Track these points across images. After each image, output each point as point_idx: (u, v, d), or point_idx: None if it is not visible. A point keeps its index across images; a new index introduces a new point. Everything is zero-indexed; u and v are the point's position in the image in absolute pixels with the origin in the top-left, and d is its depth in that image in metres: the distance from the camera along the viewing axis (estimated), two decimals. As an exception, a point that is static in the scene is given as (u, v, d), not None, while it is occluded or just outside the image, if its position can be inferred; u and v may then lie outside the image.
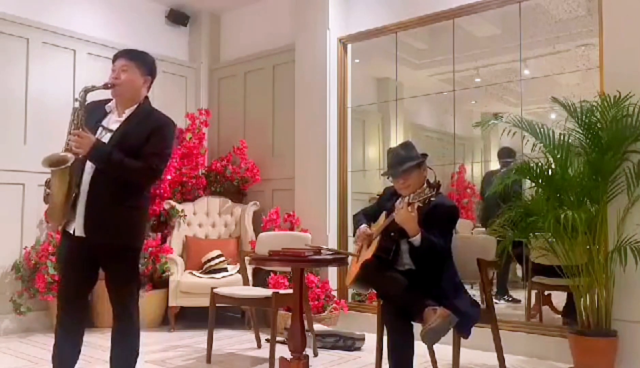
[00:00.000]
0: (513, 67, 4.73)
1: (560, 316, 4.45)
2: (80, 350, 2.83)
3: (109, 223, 2.66)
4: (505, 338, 3.34)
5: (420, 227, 2.92)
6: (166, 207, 5.37)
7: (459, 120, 4.91)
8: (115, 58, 2.87)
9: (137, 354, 2.89)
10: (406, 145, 3.27)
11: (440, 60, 5.43)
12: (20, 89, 4.90)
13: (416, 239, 2.93)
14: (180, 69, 6.20)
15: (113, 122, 2.79)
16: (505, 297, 5.10)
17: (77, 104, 2.71)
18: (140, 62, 2.86)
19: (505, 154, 5.35)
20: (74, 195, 2.66)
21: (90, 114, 2.76)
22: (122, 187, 2.68)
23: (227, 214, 5.63)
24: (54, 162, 2.61)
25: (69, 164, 2.60)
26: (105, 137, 2.72)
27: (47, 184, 2.71)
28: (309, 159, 5.27)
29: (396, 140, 5.48)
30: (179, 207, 5.41)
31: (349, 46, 5.31)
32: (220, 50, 6.41)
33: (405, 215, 2.90)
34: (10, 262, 4.74)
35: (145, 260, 4.96)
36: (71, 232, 2.69)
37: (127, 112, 2.80)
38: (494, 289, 5.18)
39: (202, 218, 5.60)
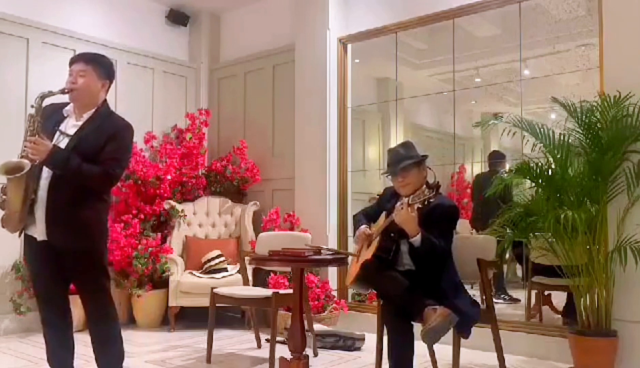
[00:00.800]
0: (513, 67, 4.73)
1: (560, 316, 4.45)
2: (73, 346, 2.83)
3: (70, 226, 2.67)
4: (505, 338, 3.34)
5: (420, 228, 2.92)
6: (166, 207, 5.37)
7: (459, 120, 4.91)
8: (72, 62, 2.86)
9: (123, 356, 2.88)
10: (406, 145, 3.27)
11: (440, 60, 5.43)
12: (20, 89, 4.89)
13: (416, 240, 2.93)
14: (180, 69, 6.20)
15: (71, 126, 2.79)
16: (503, 296, 5.10)
17: (32, 110, 2.70)
18: (98, 65, 2.84)
19: (495, 156, 5.39)
20: (30, 200, 2.67)
21: (47, 118, 2.76)
22: (81, 191, 2.69)
23: (227, 214, 5.63)
24: (9, 170, 2.61)
25: (24, 171, 2.59)
26: (63, 142, 2.72)
27: (3, 190, 2.70)
28: (309, 159, 5.27)
29: (396, 140, 5.48)
30: (179, 207, 5.41)
31: (349, 46, 5.31)
32: (220, 50, 6.41)
33: (405, 216, 2.90)
34: (10, 262, 4.74)
35: (146, 260, 4.96)
36: (35, 236, 2.71)
37: (85, 116, 2.80)
38: (513, 288, 5.20)
39: (202, 218, 5.60)
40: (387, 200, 3.31)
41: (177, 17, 6.15)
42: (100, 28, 5.54)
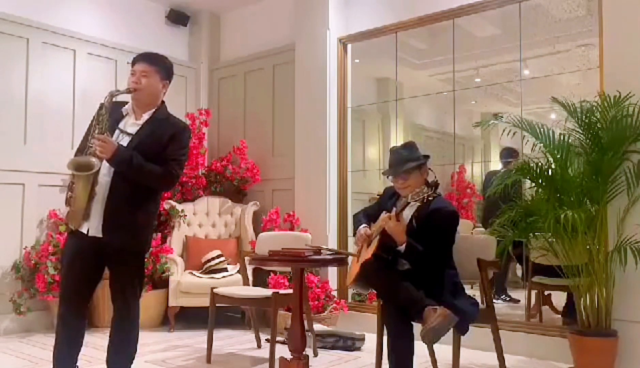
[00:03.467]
0: (513, 67, 4.73)
1: (560, 316, 4.45)
2: (81, 345, 2.84)
3: (127, 225, 2.70)
4: (505, 338, 3.34)
5: (407, 236, 2.99)
6: (166, 207, 5.37)
7: (459, 120, 4.91)
8: (134, 62, 2.89)
9: (133, 359, 2.90)
10: (408, 146, 3.29)
11: (440, 60, 5.42)
12: (20, 89, 4.90)
13: (401, 248, 3.00)
14: (180, 69, 6.17)
15: (130, 125, 2.82)
16: (504, 296, 5.10)
17: (102, 108, 2.72)
18: (160, 67, 2.90)
19: (507, 154, 5.36)
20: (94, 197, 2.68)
21: (108, 116, 2.77)
22: (140, 191, 2.73)
23: (227, 214, 5.63)
24: (80, 166, 2.62)
25: (95, 169, 2.61)
26: (123, 140, 2.75)
27: (70, 187, 2.70)
28: (309, 159, 5.27)
29: (396, 140, 5.47)
30: (179, 207, 5.41)
31: (349, 46, 5.31)
32: (220, 50, 6.41)
33: (392, 225, 3.00)
34: (10, 262, 4.74)
35: (146, 260, 4.94)
36: (84, 231, 2.70)
37: (145, 116, 2.83)
38: (513, 288, 5.19)
39: (202, 218, 5.60)
40: (388, 199, 3.32)
41: (177, 17, 6.16)
42: (100, 28, 5.54)
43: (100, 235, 2.69)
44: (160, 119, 2.85)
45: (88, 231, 2.69)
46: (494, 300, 4.97)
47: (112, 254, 2.73)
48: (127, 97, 2.90)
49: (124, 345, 2.86)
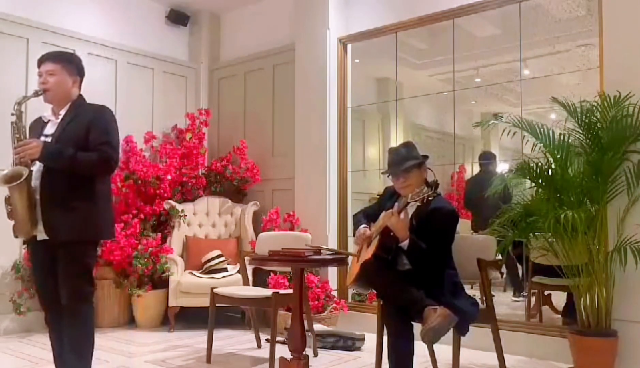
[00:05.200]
0: (513, 67, 4.73)
1: (560, 316, 4.45)
2: None
3: (68, 218, 2.68)
4: (505, 338, 3.34)
5: (410, 233, 2.97)
6: (166, 207, 5.37)
7: (459, 120, 4.91)
8: (40, 63, 2.87)
9: (90, 362, 2.79)
10: (408, 145, 3.28)
11: (440, 60, 5.43)
12: (20, 89, 4.87)
13: (404, 244, 2.99)
14: (180, 69, 6.20)
15: (52, 126, 2.83)
16: (522, 294, 5.07)
17: (13, 118, 2.74)
18: (66, 63, 2.87)
19: (485, 156, 5.42)
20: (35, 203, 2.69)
21: (32, 131, 2.83)
22: (75, 182, 2.70)
23: (227, 214, 5.63)
24: (8, 179, 2.63)
25: (24, 176, 2.61)
26: (46, 140, 2.76)
27: (7, 201, 2.70)
28: (309, 159, 5.27)
29: (396, 140, 5.48)
30: (179, 207, 5.41)
31: (349, 46, 5.31)
32: (220, 50, 6.41)
33: (395, 221, 2.97)
34: (10, 262, 4.74)
35: (146, 260, 4.96)
36: (37, 238, 2.73)
37: (62, 112, 2.84)
38: (511, 289, 5.20)
39: (202, 218, 5.60)
40: (388, 199, 3.32)
41: (177, 17, 6.15)
42: (100, 28, 5.54)
43: (45, 237, 2.70)
44: (76, 109, 2.84)
45: (37, 236, 2.71)
46: (514, 299, 5.01)
47: (60, 250, 2.70)
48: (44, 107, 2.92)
49: (73, 351, 2.73)
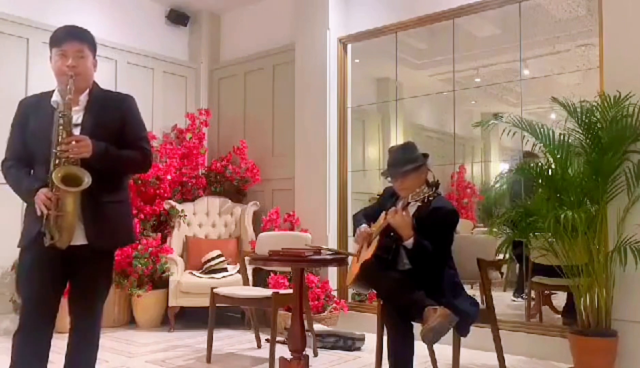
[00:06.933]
0: (513, 67, 4.73)
1: (560, 316, 4.45)
2: (47, 356, 2.53)
3: (108, 225, 2.40)
4: (505, 338, 3.34)
5: (414, 232, 2.95)
6: (166, 207, 5.37)
7: (459, 120, 4.91)
8: (59, 40, 2.49)
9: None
10: (407, 146, 3.27)
11: (440, 60, 5.42)
12: (20, 89, 4.89)
13: (409, 243, 2.97)
14: (180, 69, 6.20)
15: (74, 114, 2.39)
16: (523, 294, 5.06)
17: (62, 111, 2.35)
18: (91, 43, 2.51)
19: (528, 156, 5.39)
20: None
21: (37, 110, 2.44)
22: (105, 182, 2.37)
23: (227, 214, 5.63)
24: (71, 181, 2.25)
25: (88, 181, 2.25)
26: (74, 131, 2.35)
27: (57, 206, 2.26)
28: (309, 159, 5.27)
29: (396, 140, 5.48)
30: (179, 207, 5.41)
31: (349, 46, 5.31)
32: (220, 50, 6.41)
33: (399, 219, 2.95)
34: (10, 262, 4.74)
35: (146, 260, 4.96)
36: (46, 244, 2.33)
37: (82, 99, 2.45)
38: (513, 288, 5.19)
39: (202, 218, 5.60)
40: (387, 199, 3.32)
41: (177, 17, 6.16)
42: (100, 28, 5.51)
43: (80, 242, 2.34)
44: (100, 98, 2.48)
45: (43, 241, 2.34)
46: (514, 299, 5.00)
47: (85, 260, 2.39)
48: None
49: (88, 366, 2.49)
